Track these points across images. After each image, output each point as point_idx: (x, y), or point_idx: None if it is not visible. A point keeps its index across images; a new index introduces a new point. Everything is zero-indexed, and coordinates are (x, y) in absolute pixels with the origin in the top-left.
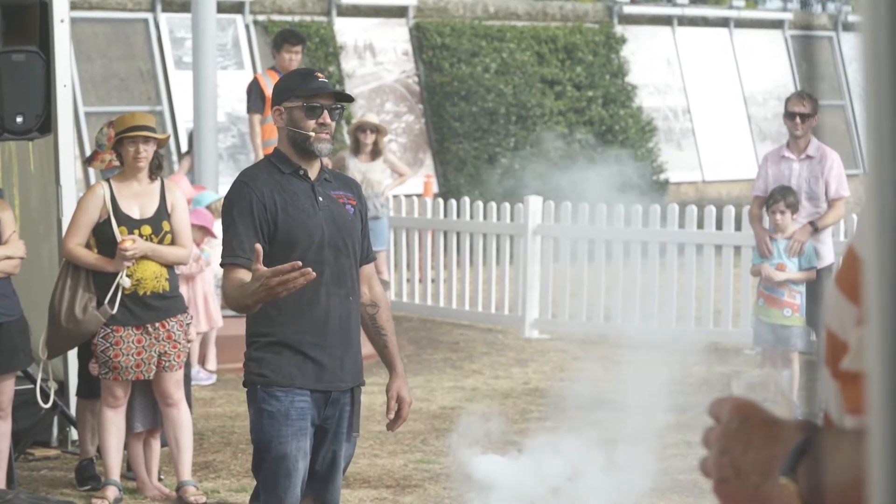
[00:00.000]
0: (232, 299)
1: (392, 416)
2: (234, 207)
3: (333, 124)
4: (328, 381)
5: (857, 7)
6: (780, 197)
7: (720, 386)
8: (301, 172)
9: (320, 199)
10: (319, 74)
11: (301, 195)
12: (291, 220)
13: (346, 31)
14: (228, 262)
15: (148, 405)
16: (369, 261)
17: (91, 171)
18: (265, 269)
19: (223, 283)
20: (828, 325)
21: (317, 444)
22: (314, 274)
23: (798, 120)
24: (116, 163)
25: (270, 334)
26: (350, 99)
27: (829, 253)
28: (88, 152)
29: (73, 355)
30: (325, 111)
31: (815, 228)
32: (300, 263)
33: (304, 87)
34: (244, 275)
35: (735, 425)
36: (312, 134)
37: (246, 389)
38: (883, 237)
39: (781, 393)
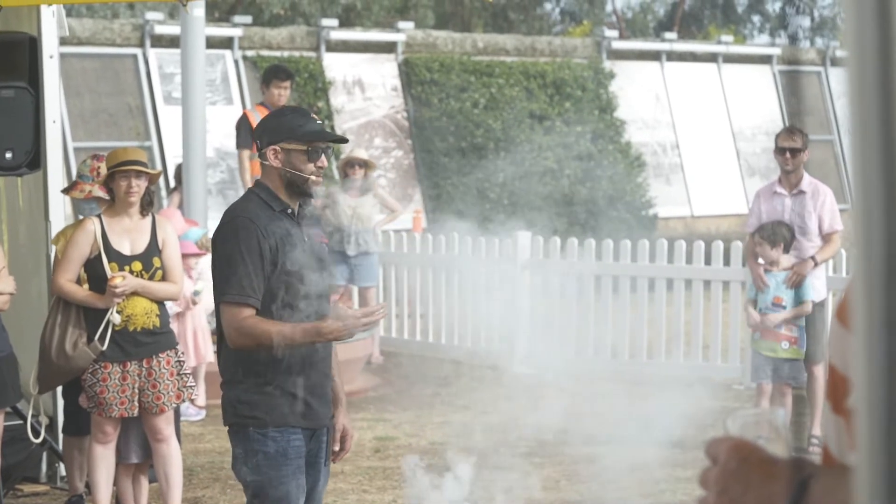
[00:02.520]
0: (259, 337)
1: (336, 446)
2: (242, 244)
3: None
4: (316, 419)
5: (843, 43)
6: (771, 231)
7: (710, 421)
8: (289, 211)
9: (306, 238)
10: (315, 117)
11: (293, 234)
12: (287, 259)
13: (335, 66)
14: (239, 300)
15: (143, 437)
16: None
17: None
18: (352, 309)
19: (230, 320)
20: (830, 360)
21: (312, 482)
22: (385, 313)
23: (788, 155)
24: (96, 194)
25: (259, 375)
26: (344, 140)
27: (821, 287)
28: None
29: (60, 393)
30: (323, 155)
31: (815, 263)
32: (386, 304)
33: (305, 129)
34: (257, 317)
35: (733, 465)
36: (312, 178)
37: (229, 430)
38: (870, 270)
39: (776, 431)
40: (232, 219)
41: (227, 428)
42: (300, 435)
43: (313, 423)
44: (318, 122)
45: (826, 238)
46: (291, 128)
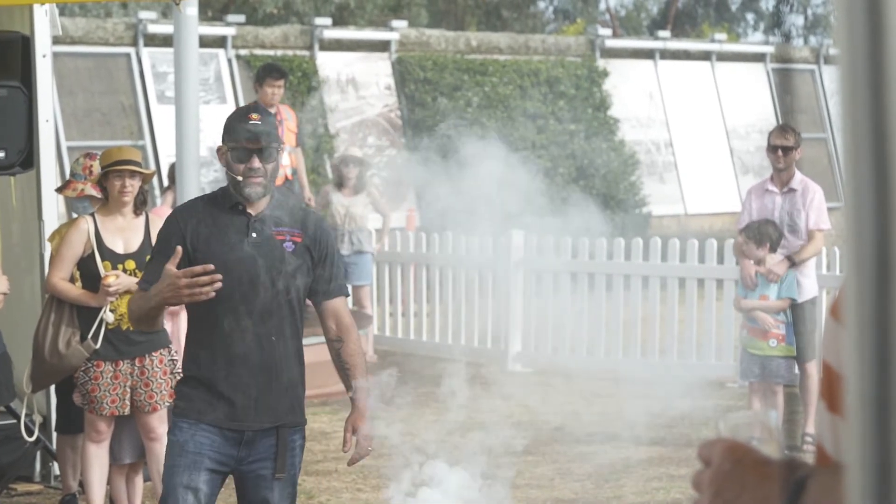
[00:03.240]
0: (134, 310)
1: (347, 447)
2: (160, 238)
3: (270, 167)
4: (239, 419)
5: (835, 40)
6: (757, 230)
7: (703, 419)
8: (240, 207)
9: (254, 234)
10: (254, 115)
11: (232, 230)
12: (210, 252)
13: (329, 65)
14: (142, 286)
15: (136, 437)
16: (335, 295)
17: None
18: (175, 269)
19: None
20: (824, 358)
21: (242, 490)
22: (220, 284)
23: (780, 153)
24: (89, 192)
25: (190, 370)
26: (280, 143)
27: (812, 286)
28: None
29: (52, 391)
30: (255, 156)
31: (792, 262)
32: (212, 267)
33: (235, 130)
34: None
35: (728, 467)
36: (240, 178)
37: None
38: (862, 267)
39: (769, 432)
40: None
41: None
42: (211, 434)
43: (237, 424)
44: (253, 122)
45: (810, 235)
46: (226, 128)
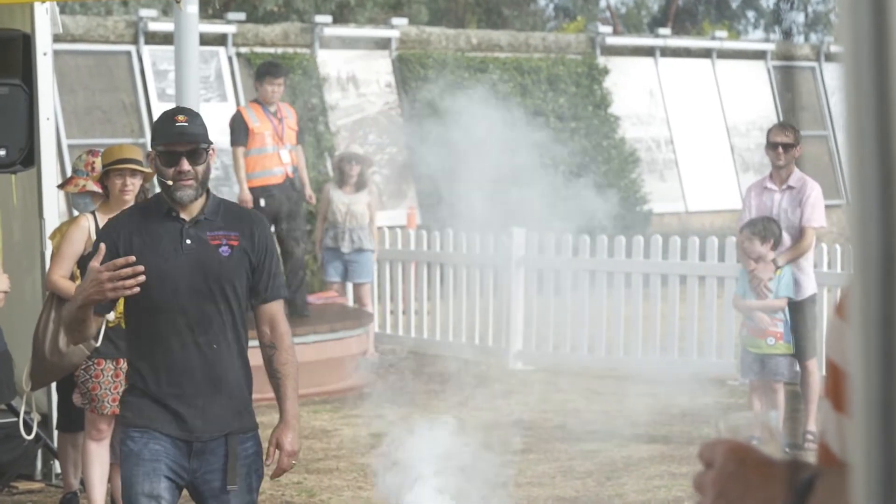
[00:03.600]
0: (63, 318)
1: (270, 461)
2: (92, 250)
3: (200, 168)
4: (187, 430)
5: (838, 37)
6: (749, 225)
7: (704, 417)
8: (173, 214)
9: (187, 241)
10: (181, 117)
11: (166, 238)
12: (144, 262)
13: (330, 62)
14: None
15: None
16: (271, 299)
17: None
18: (98, 265)
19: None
20: (829, 356)
21: (198, 502)
22: (143, 277)
23: (780, 150)
24: (90, 188)
25: (134, 381)
26: (209, 144)
27: (810, 284)
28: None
29: (54, 389)
30: (184, 158)
31: (777, 266)
32: (133, 258)
33: (161, 133)
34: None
35: (731, 468)
36: (170, 182)
37: None
38: (867, 265)
39: (770, 432)
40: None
41: None
42: (164, 442)
43: (185, 435)
44: (180, 124)
45: (801, 232)
46: (154, 133)
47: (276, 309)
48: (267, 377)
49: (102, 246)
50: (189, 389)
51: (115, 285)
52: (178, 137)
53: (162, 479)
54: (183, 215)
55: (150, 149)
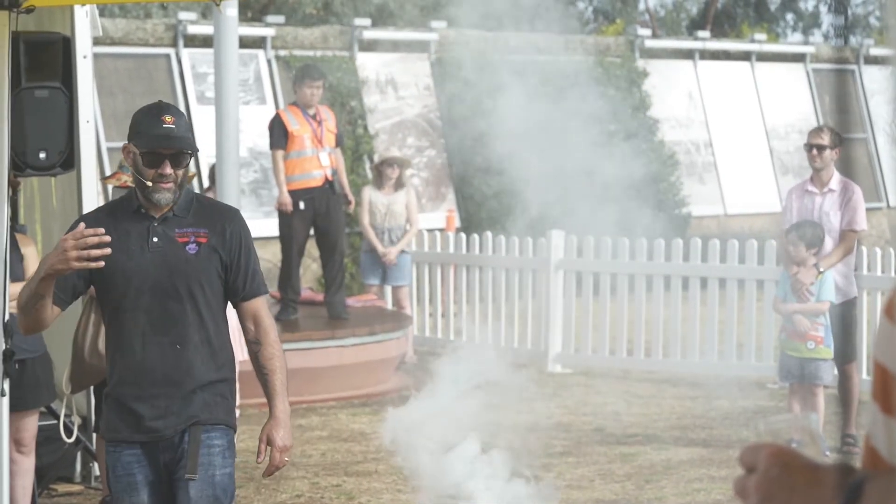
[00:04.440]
0: (21, 298)
1: (261, 458)
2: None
3: (181, 172)
4: (147, 431)
5: (887, 40)
6: (794, 229)
7: (744, 420)
8: (142, 211)
9: (154, 239)
10: (168, 118)
11: (133, 235)
12: (110, 261)
13: (368, 65)
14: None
15: None
16: (250, 296)
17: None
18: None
19: None
20: (877, 359)
21: (179, 496)
22: (109, 250)
23: (816, 152)
24: (131, 184)
25: (107, 386)
26: (194, 149)
27: (851, 287)
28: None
29: (92, 392)
30: (167, 161)
31: (819, 270)
32: (102, 230)
33: (145, 134)
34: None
35: (776, 472)
36: (150, 184)
37: None
38: None
39: (810, 435)
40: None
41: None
42: (134, 449)
43: (145, 436)
44: (167, 125)
45: (841, 236)
46: (138, 129)
47: (259, 305)
48: (255, 373)
49: (82, 225)
50: (149, 390)
51: (79, 254)
52: (165, 142)
53: (140, 489)
54: (152, 212)
55: (129, 142)
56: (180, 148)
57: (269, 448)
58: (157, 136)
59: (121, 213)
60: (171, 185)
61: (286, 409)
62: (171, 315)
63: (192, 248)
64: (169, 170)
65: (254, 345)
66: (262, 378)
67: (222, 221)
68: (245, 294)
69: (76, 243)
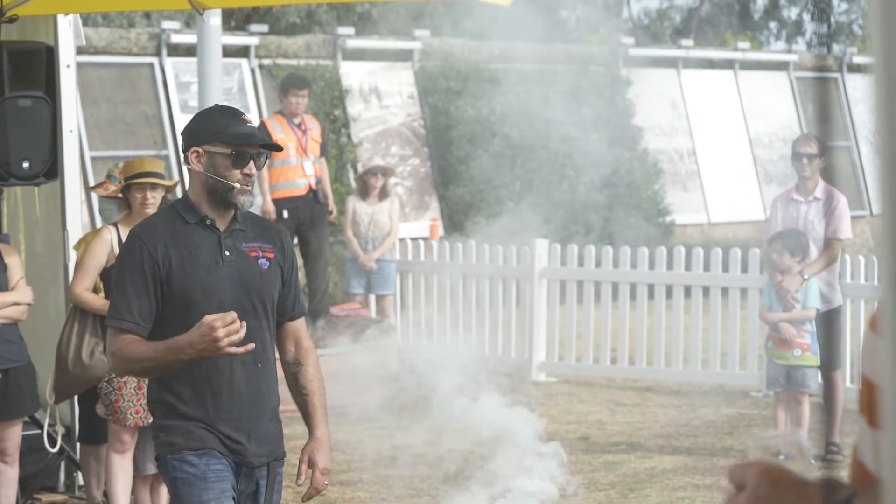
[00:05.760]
0: (131, 362)
1: (302, 480)
2: (125, 264)
3: (255, 176)
4: (239, 453)
5: (869, 49)
6: (779, 238)
7: (727, 428)
8: (208, 223)
9: (227, 252)
10: (246, 117)
11: (204, 249)
12: (187, 277)
13: (352, 74)
14: (115, 325)
15: None
16: (297, 316)
17: (95, 209)
18: (211, 315)
19: (109, 345)
20: (864, 372)
21: None
22: (244, 332)
23: (805, 161)
24: (118, 194)
25: (173, 405)
26: (278, 148)
27: (836, 295)
28: (95, 197)
29: (76, 401)
30: (252, 161)
31: (803, 278)
32: (235, 314)
33: (232, 131)
34: (133, 340)
35: (764, 490)
36: (237, 185)
37: (157, 462)
38: None
39: (799, 449)
40: (128, 235)
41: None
42: (223, 461)
43: (237, 457)
44: (250, 124)
45: (826, 244)
46: (217, 129)
47: (301, 325)
48: (291, 394)
49: (232, 314)
50: (236, 413)
51: (231, 339)
52: (251, 139)
53: (231, 499)
54: (218, 224)
55: (199, 146)
56: (259, 147)
57: (309, 470)
58: (244, 134)
59: (180, 224)
60: (251, 186)
61: (327, 431)
62: (250, 332)
63: (263, 263)
64: (254, 169)
65: (293, 365)
66: (301, 399)
67: (280, 237)
68: (293, 314)
69: (227, 330)
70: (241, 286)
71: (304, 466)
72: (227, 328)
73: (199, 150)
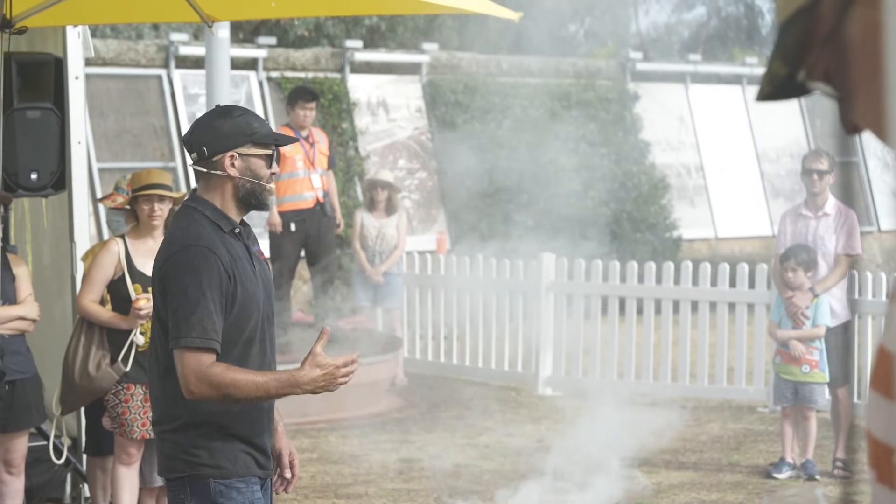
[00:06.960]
0: (234, 388)
1: (288, 474)
2: (204, 279)
3: None
4: (264, 469)
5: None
6: (792, 255)
7: (734, 444)
8: (237, 231)
9: (255, 262)
10: (262, 117)
11: (243, 259)
12: (245, 291)
13: (360, 87)
14: (200, 344)
15: None
16: None
17: (103, 221)
18: (328, 358)
19: (195, 366)
20: (868, 429)
21: None
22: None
23: (816, 177)
24: (127, 206)
25: (212, 420)
26: (293, 140)
27: (844, 311)
28: (103, 209)
29: (83, 413)
30: (275, 160)
31: (814, 294)
32: (357, 356)
33: (265, 131)
34: (228, 366)
35: None
36: (270, 185)
37: (177, 482)
38: None
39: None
40: (185, 247)
41: (169, 480)
42: (259, 485)
43: (266, 472)
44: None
45: (836, 260)
46: (251, 130)
47: None
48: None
49: (355, 354)
50: (266, 424)
51: (348, 379)
52: (282, 138)
53: None
54: (237, 229)
55: (234, 150)
56: (281, 142)
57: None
58: (276, 134)
59: (220, 235)
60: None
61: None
62: (274, 341)
63: (267, 266)
64: (277, 168)
65: None
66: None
67: (254, 235)
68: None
69: (347, 370)
70: (267, 294)
71: (284, 459)
72: (347, 370)
73: (234, 153)
